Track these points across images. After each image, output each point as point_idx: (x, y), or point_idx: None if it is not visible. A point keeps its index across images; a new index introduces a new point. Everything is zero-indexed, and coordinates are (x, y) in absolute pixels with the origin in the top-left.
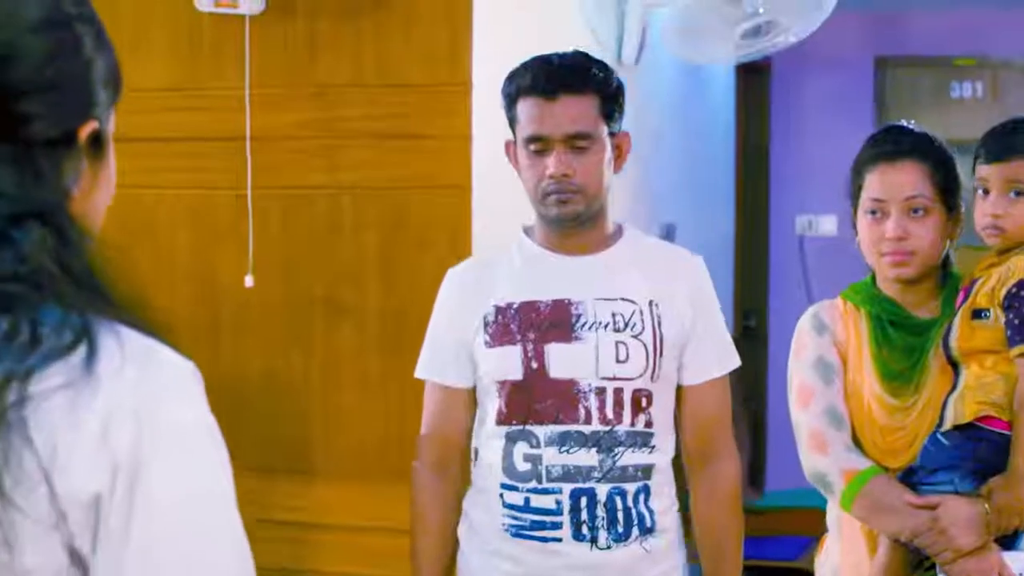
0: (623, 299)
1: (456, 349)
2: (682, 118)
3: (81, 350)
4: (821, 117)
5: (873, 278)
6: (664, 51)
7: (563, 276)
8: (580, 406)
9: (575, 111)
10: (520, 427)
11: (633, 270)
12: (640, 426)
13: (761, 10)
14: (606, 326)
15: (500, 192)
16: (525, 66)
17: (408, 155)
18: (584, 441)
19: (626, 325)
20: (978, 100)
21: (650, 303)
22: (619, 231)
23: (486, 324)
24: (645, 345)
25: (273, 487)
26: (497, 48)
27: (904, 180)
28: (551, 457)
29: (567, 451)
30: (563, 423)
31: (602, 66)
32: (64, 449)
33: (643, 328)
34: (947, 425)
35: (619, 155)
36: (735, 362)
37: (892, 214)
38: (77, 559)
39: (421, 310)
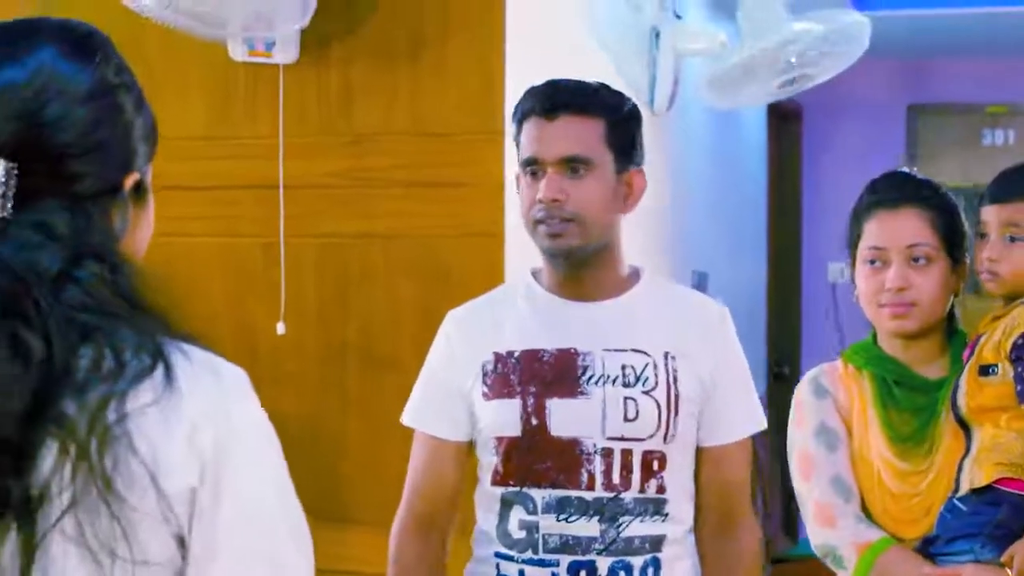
0: (635, 350)
1: (449, 398)
2: (714, 165)
3: (160, 369)
4: (853, 164)
5: (875, 337)
6: (696, 97)
7: (570, 324)
8: (583, 469)
9: (573, 132)
10: (516, 489)
11: (648, 319)
12: (651, 492)
13: (793, 60)
14: (615, 380)
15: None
16: (532, 88)
17: (441, 203)
18: (585, 509)
19: (637, 379)
20: (1010, 147)
21: (666, 355)
22: (636, 275)
23: (484, 373)
24: (658, 402)
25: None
26: None
27: (905, 227)
28: (548, 525)
29: (566, 519)
30: (563, 487)
31: (615, 93)
32: (163, 454)
33: (656, 383)
34: (964, 490)
35: (629, 193)
36: (761, 423)
37: (892, 263)
38: (182, 544)
39: None
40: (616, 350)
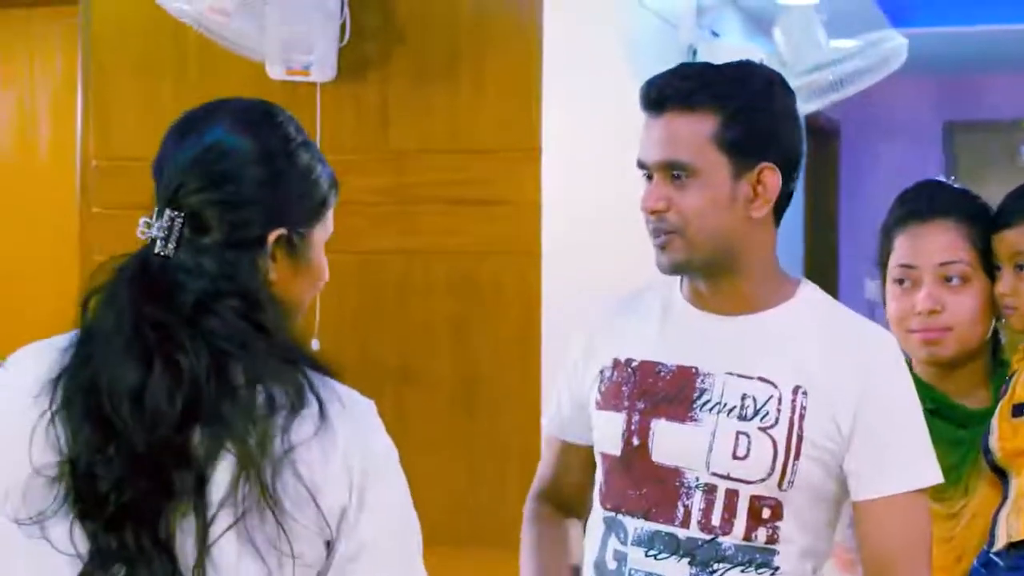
0: (761, 379)
1: (575, 400)
2: None
3: (315, 404)
4: (890, 181)
5: (911, 361)
6: None
7: (696, 338)
8: (679, 503)
9: (674, 132)
10: (613, 515)
11: (785, 343)
12: (759, 541)
13: (831, 77)
14: (731, 410)
15: (570, 257)
16: (652, 76)
17: (479, 220)
18: (676, 547)
19: (756, 413)
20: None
21: (795, 389)
22: (792, 289)
23: (602, 380)
24: (775, 442)
25: None
26: (567, 113)
27: (937, 242)
28: (636, 560)
29: (655, 556)
30: (655, 520)
31: (740, 78)
32: (320, 478)
33: (776, 420)
34: (1000, 544)
35: (757, 195)
36: (924, 478)
37: (923, 282)
38: (329, 547)
39: (492, 375)
40: (740, 375)
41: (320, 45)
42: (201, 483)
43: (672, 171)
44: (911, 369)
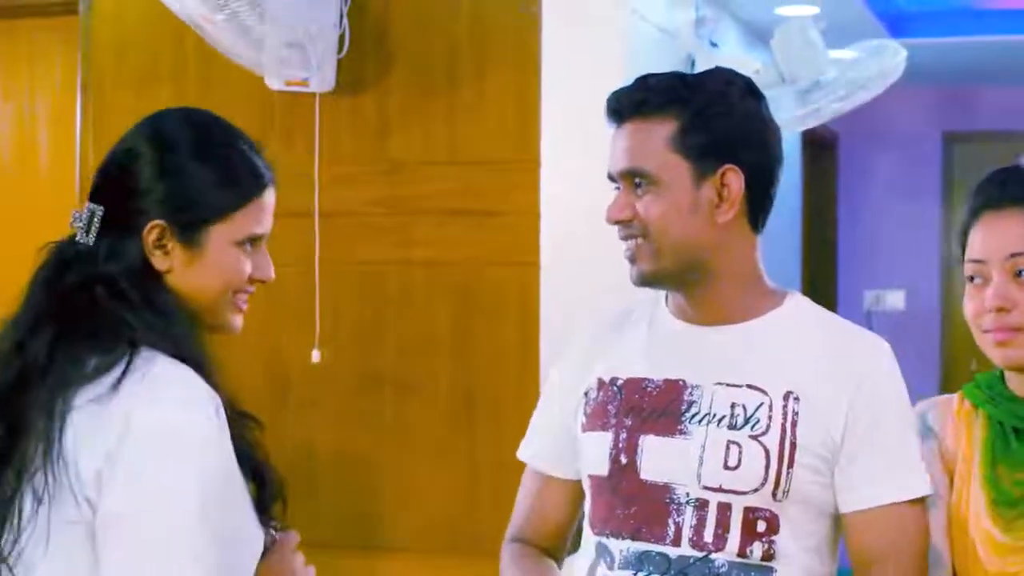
0: (751, 387)
1: (556, 428)
2: None
3: (115, 373)
4: (889, 191)
5: (1003, 373)
6: None
7: (682, 351)
8: (670, 520)
9: (633, 140)
10: (600, 539)
11: (775, 350)
12: (755, 558)
13: (818, 107)
14: (720, 420)
15: (570, 268)
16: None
17: (478, 231)
18: (666, 567)
19: (746, 421)
20: None
21: (786, 396)
22: (779, 300)
23: (586, 402)
24: (767, 450)
25: (344, 563)
26: (566, 124)
27: (1007, 233)
28: None
29: None
30: (644, 540)
31: (700, 82)
32: (83, 441)
33: (768, 427)
34: None
35: (721, 198)
36: (916, 488)
37: (993, 278)
38: (90, 510)
39: (491, 386)
40: (729, 385)
41: (319, 56)
42: (11, 435)
43: (634, 179)
44: (1002, 378)
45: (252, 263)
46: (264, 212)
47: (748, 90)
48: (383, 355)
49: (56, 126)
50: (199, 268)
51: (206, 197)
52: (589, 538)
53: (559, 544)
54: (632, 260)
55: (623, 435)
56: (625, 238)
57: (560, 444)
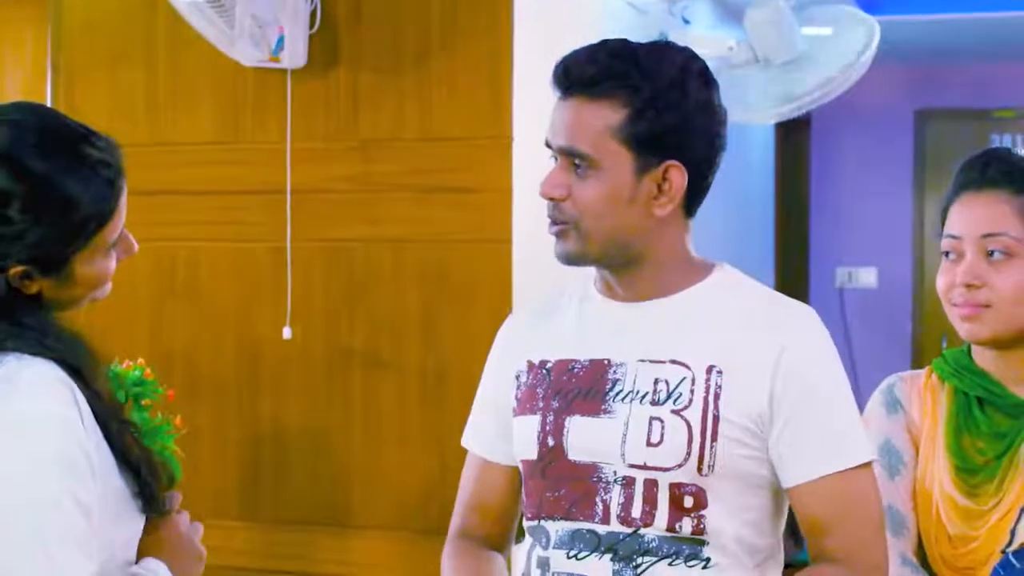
0: (673, 361)
1: (494, 413)
2: (720, 171)
3: None
4: (861, 169)
5: (970, 347)
6: None
7: (608, 330)
8: (598, 499)
9: (577, 119)
10: (536, 522)
11: (699, 324)
12: (685, 532)
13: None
14: (643, 397)
15: (542, 246)
16: (567, 54)
17: (449, 209)
18: (596, 544)
19: (668, 396)
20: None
21: (709, 369)
22: (705, 272)
23: (517, 385)
24: (689, 424)
25: (314, 540)
26: (538, 102)
27: (983, 214)
28: (558, 563)
29: (575, 556)
30: (575, 519)
31: (659, 64)
32: None
33: (689, 402)
34: (1019, 542)
35: (661, 192)
36: (855, 456)
37: (967, 255)
38: None
39: (462, 364)
40: (652, 361)
41: (290, 32)
42: None
43: (573, 159)
44: (969, 352)
45: (117, 252)
46: (120, 216)
47: (703, 78)
48: (354, 333)
49: None
50: (68, 288)
51: (64, 237)
52: (526, 524)
53: (503, 532)
54: (558, 237)
55: (550, 417)
56: (552, 216)
57: (497, 429)
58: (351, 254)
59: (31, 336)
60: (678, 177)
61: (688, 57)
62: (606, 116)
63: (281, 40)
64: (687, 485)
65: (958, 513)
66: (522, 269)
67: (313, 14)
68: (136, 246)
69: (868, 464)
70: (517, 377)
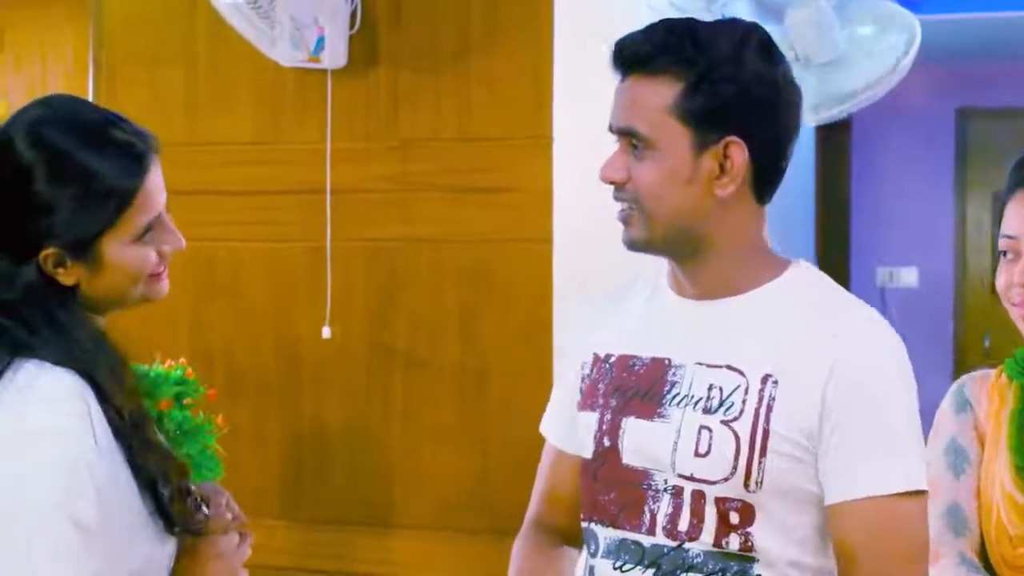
0: (729, 367)
1: (566, 402)
2: None
3: None
4: (902, 169)
5: None
6: None
7: (671, 327)
8: (646, 508)
9: (633, 98)
10: (586, 524)
11: (761, 327)
12: (732, 548)
13: (849, 105)
14: (696, 403)
15: (582, 245)
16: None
17: (489, 208)
18: (640, 557)
19: (720, 405)
20: None
21: (765, 379)
22: (779, 270)
23: (583, 378)
24: (738, 437)
25: (354, 539)
26: (578, 101)
27: None
28: (603, 573)
29: (620, 567)
30: (621, 527)
31: (710, 37)
32: None
33: (741, 412)
34: None
35: (723, 171)
36: (902, 481)
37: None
38: None
39: (501, 363)
40: (709, 365)
41: (330, 33)
42: None
43: (632, 140)
44: None
45: (157, 243)
46: (151, 196)
47: (764, 50)
48: (394, 332)
49: None
50: (103, 276)
51: (89, 213)
52: (582, 523)
53: (577, 523)
54: (624, 223)
55: (608, 416)
56: (617, 200)
57: (569, 418)
58: (390, 253)
59: (57, 342)
60: (739, 154)
61: (749, 29)
62: (661, 93)
63: (321, 41)
64: (733, 500)
65: (1018, 513)
66: (562, 269)
67: (353, 14)
68: (183, 240)
69: (916, 493)
70: (583, 368)
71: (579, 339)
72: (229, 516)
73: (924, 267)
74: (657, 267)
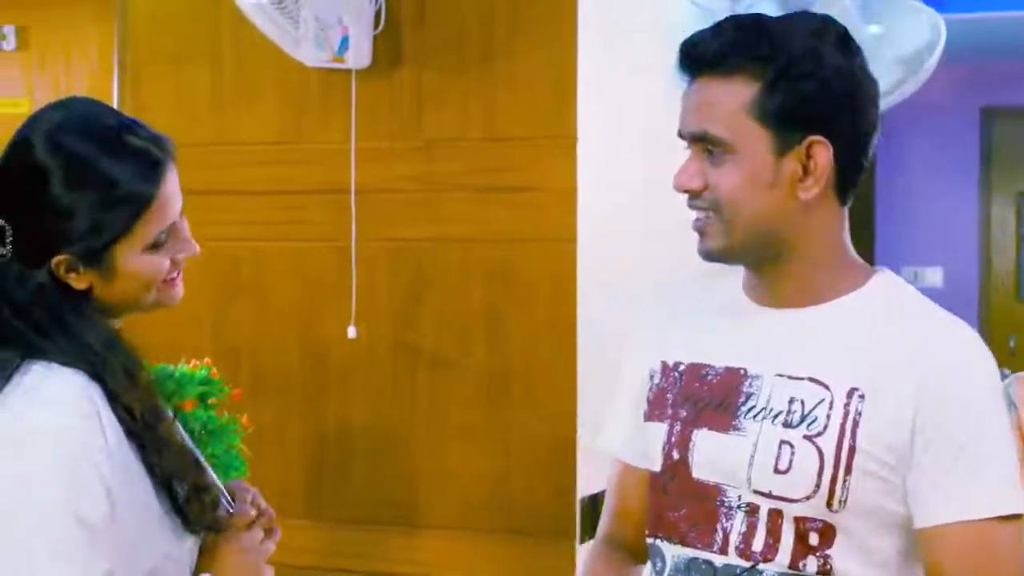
0: (812, 379)
1: (630, 413)
2: None
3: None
4: (926, 169)
5: None
6: None
7: (748, 336)
8: (718, 526)
9: (706, 100)
10: (652, 540)
11: (846, 338)
12: (810, 570)
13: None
14: (776, 416)
15: (607, 245)
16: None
17: (513, 208)
18: None
19: (802, 419)
20: None
21: (851, 392)
22: (862, 279)
23: (649, 387)
24: (822, 453)
25: (378, 539)
26: (602, 100)
27: None
28: None
29: None
30: (692, 545)
31: (785, 32)
32: None
33: (824, 428)
34: None
35: (806, 172)
36: (998, 504)
37: None
38: None
39: (526, 363)
40: (790, 377)
41: (354, 32)
42: None
43: (707, 145)
44: None
45: (171, 251)
46: (166, 205)
47: (841, 43)
48: (419, 332)
49: None
50: (116, 283)
51: (103, 220)
52: (646, 539)
53: (642, 537)
54: (700, 233)
55: (677, 427)
56: (693, 208)
57: (632, 430)
58: (415, 254)
59: (67, 344)
60: (823, 153)
61: (824, 21)
62: (737, 93)
63: (345, 41)
64: (814, 520)
65: None
66: (586, 268)
67: (377, 14)
68: (197, 248)
69: (1013, 517)
70: (651, 377)
71: (641, 348)
72: (254, 512)
73: (948, 267)
74: (729, 271)
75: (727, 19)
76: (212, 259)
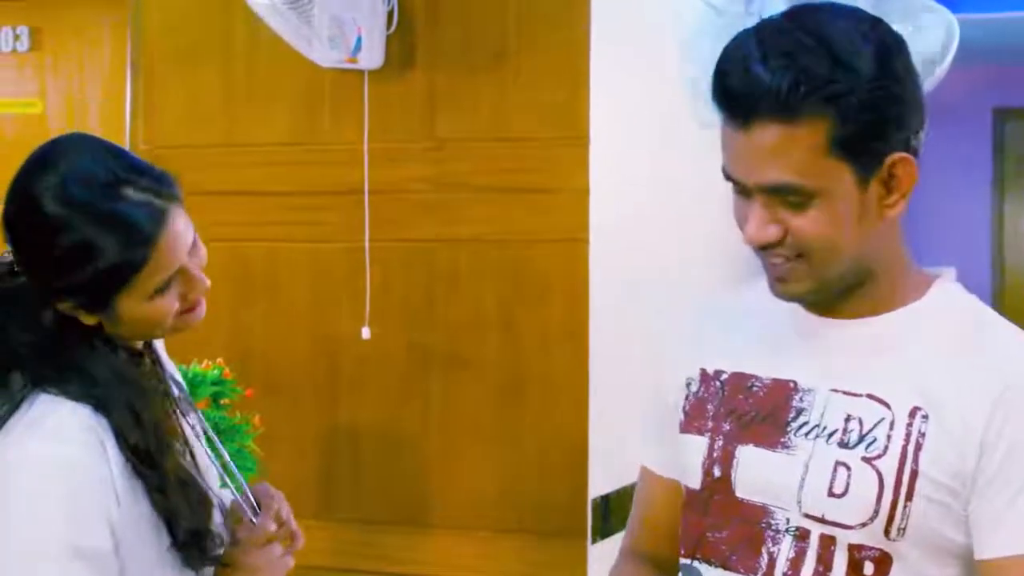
0: (871, 396)
1: (663, 422)
2: None
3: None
4: (938, 169)
5: None
6: None
7: (799, 346)
8: (764, 550)
9: (773, 148)
10: (689, 561)
11: (908, 353)
12: None
13: None
14: (830, 435)
15: (619, 246)
16: (720, 66)
17: (526, 209)
18: None
19: (860, 440)
20: None
21: (913, 412)
22: (923, 287)
23: (687, 395)
24: (881, 477)
25: (391, 540)
26: (615, 101)
27: None
28: None
29: None
30: (734, 569)
31: (847, 53)
32: None
33: (885, 450)
34: None
35: (889, 190)
36: None
37: None
38: None
39: (540, 363)
40: (846, 393)
41: (367, 33)
42: None
43: (782, 196)
44: None
45: (180, 293)
46: (168, 255)
47: (899, 49)
48: (432, 332)
49: (106, 105)
50: (122, 325)
51: (100, 277)
52: (680, 559)
53: (675, 551)
54: (781, 279)
55: (719, 442)
56: (772, 256)
57: (664, 440)
58: (428, 254)
59: (74, 377)
60: (906, 169)
61: (871, 23)
62: (810, 135)
63: (359, 41)
64: (870, 548)
65: None
66: (599, 268)
67: (390, 14)
68: (207, 282)
69: None
70: (688, 385)
71: (677, 355)
72: (273, 527)
73: (962, 269)
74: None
75: (766, 49)
76: (224, 259)
